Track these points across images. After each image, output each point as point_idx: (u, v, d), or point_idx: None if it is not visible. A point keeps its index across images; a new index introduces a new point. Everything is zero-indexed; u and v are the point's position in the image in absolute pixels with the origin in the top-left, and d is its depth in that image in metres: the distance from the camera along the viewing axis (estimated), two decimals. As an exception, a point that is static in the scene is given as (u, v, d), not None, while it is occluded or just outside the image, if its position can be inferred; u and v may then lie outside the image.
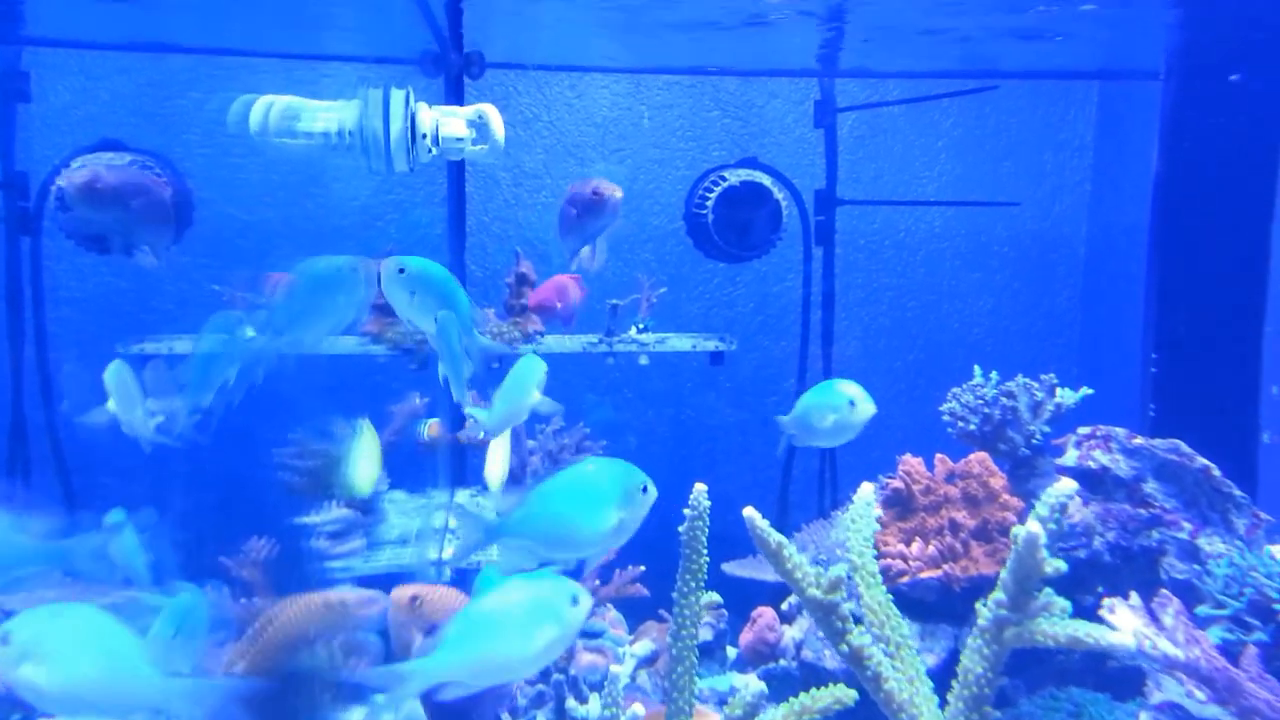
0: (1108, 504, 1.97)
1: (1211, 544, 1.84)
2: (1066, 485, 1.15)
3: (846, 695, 1.25)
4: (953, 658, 2.02)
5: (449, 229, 2.63)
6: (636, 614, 2.36)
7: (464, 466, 2.60)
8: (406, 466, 2.54)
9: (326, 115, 1.97)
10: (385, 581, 2.32)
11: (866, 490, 1.35)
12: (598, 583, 2.14)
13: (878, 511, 2.15)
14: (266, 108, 1.98)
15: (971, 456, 2.12)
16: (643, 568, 2.18)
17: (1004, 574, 1.16)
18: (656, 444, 3.23)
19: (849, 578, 1.27)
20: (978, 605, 1.18)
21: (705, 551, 1.30)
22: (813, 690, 1.24)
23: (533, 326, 2.63)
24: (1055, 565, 1.13)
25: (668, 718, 1.25)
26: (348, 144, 1.89)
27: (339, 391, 2.60)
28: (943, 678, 2.02)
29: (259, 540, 2.27)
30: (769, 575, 2.38)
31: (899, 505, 2.17)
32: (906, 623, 2.04)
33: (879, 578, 1.25)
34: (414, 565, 2.19)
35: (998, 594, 1.15)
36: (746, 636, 2.13)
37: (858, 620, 1.23)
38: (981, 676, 1.11)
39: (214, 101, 2.99)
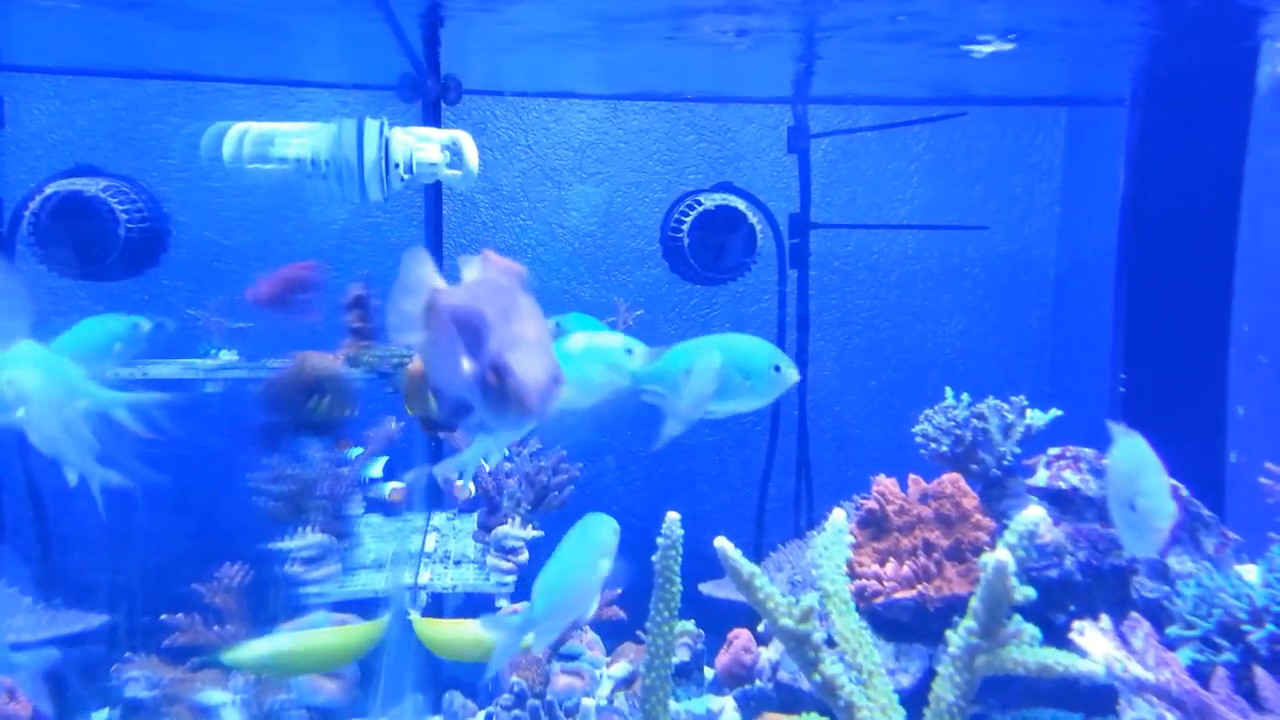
0: (1078, 524, 2.00)
1: (1181, 563, 1.87)
2: (1034, 513, 1.17)
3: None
4: (927, 677, 2.03)
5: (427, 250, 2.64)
6: (615, 636, 2.36)
7: (439, 491, 2.60)
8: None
9: (299, 141, 1.98)
10: (360, 607, 2.31)
11: (839, 516, 1.37)
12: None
13: (852, 536, 2.17)
14: (240, 135, 1.99)
15: (944, 477, 2.15)
16: (619, 590, 2.19)
17: (974, 602, 1.18)
18: (635, 464, 3.23)
19: (821, 605, 1.28)
20: (948, 633, 1.19)
21: (678, 580, 1.31)
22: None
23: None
24: (1024, 593, 1.15)
25: (643, 746, 1.25)
26: (322, 173, 1.90)
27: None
28: (918, 697, 2.04)
29: (232, 567, 2.27)
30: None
31: (873, 526, 2.19)
32: (881, 646, 2.08)
33: (851, 605, 1.26)
34: (389, 590, 2.19)
35: (968, 621, 1.16)
36: (723, 658, 2.14)
37: (831, 644, 1.24)
38: (954, 705, 1.12)
39: (190, 127, 2.99)
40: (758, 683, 2.19)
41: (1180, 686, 1.34)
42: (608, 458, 3.21)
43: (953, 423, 2.19)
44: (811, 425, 2.98)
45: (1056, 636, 1.99)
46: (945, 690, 1.13)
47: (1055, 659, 1.11)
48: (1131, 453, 1.24)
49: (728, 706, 2.03)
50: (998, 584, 1.12)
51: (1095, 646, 1.38)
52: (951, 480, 2.15)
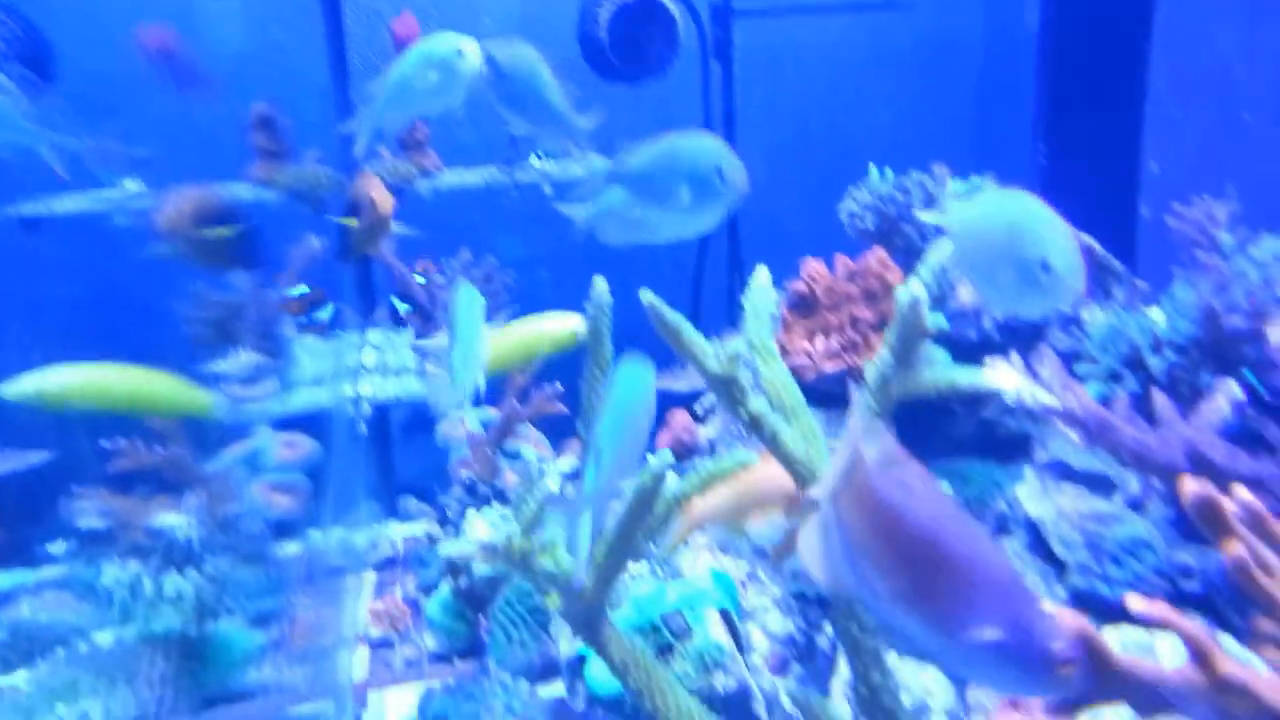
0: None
1: (1092, 314, 1.95)
2: (946, 247, 1.19)
3: (749, 457, 1.33)
4: (856, 442, 2.14)
5: (331, 72, 2.52)
6: (559, 432, 2.43)
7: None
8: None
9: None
10: (304, 423, 2.33)
11: (762, 274, 1.39)
12: (517, 404, 2.19)
13: (783, 318, 2.22)
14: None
15: (869, 253, 2.19)
16: (559, 385, 2.23)
17: (888, 335, 1.22)
18: (570, 274, 3.22)
19: (747, 353, 1.32)
20: (864, 364, 1.24)
21: (609, 343, 1.33)
22: (715, 456, 1.31)
23: (430, 162, 2.57)
24: (936, 321, 1.19)
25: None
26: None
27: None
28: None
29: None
30: (682, 385, 2.47)
31: (803, 307, 2.24)
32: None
33: (776, 353, 1.30)
34: (331, 404, 2.20)
35: (883, 353, 1.21)
36: (663, 438, 2.22)
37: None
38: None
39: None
40: (697, 460, 2.29)
41: (1084, 408, 1.43)
42: (542, 271, 3.20)
43: (877, 198, 2.20)
44: (742, 223, 2.99)
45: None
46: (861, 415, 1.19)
47: (961, 375, 1.16)
48: (1032, 212, 1.17)
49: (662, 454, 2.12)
50: (911, 316, 1.16)
51: (1005, 378, 1.45)
52: (877, 256, 2.19)
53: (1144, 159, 2.47)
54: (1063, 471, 1.80)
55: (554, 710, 1.83)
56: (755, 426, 1.21)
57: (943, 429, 2.18)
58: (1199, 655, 0.96)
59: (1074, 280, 1.02)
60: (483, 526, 1.13)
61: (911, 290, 1.17)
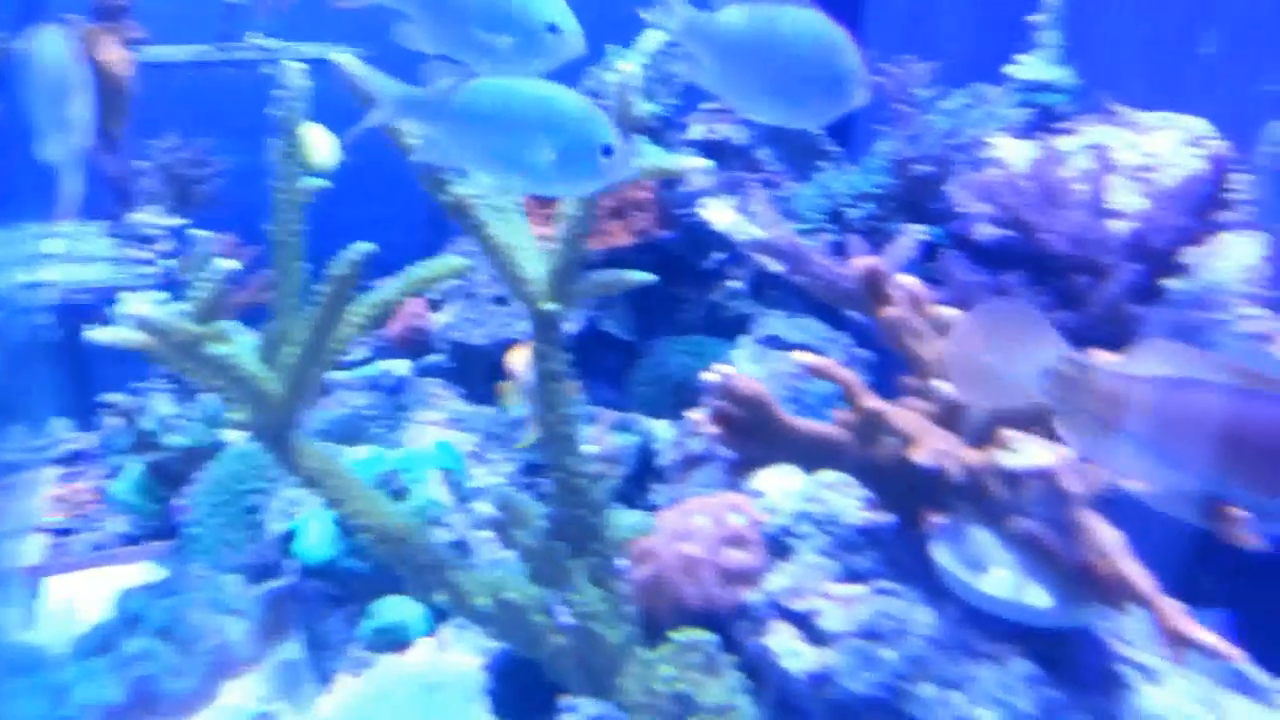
0: (730, 171, 2.15)
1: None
2: (659, 34, 1.19)
3: (460, 264, 1.27)
4: (590, 324, 2.15)
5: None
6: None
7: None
8: None
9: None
10: None
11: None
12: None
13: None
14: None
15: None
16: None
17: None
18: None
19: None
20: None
21: (300, 135, 1.22)
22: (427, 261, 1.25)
23: (129, 33, 2.31)
24: (648, 109, 1.18)
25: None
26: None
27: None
28: (583, 338, 2.15)
29: None
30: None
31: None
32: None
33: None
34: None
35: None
36: (395, 326, 2.12)
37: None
38: (578, 218, 1.16)
39: None
40: (435, 358, 2.21)
41: (787, 241, 1.49)
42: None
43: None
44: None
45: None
46: (572, 209, 1.17)
47: (667, 161, 1.17)
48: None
49: (403, 367, 2.03)
50: (620, 97, 1.14)
51: (718, 216, 1.49)
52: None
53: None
54: (775, 344, 1.91)
55: (264, 597, 1.70)
56: (460, 212, 1.15)
57: (676, 315, 2.26)
58: (849, 395, 1.02)
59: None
60: (144, 306, 0.99)
61: (622, 71, 1.16)
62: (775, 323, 1.97)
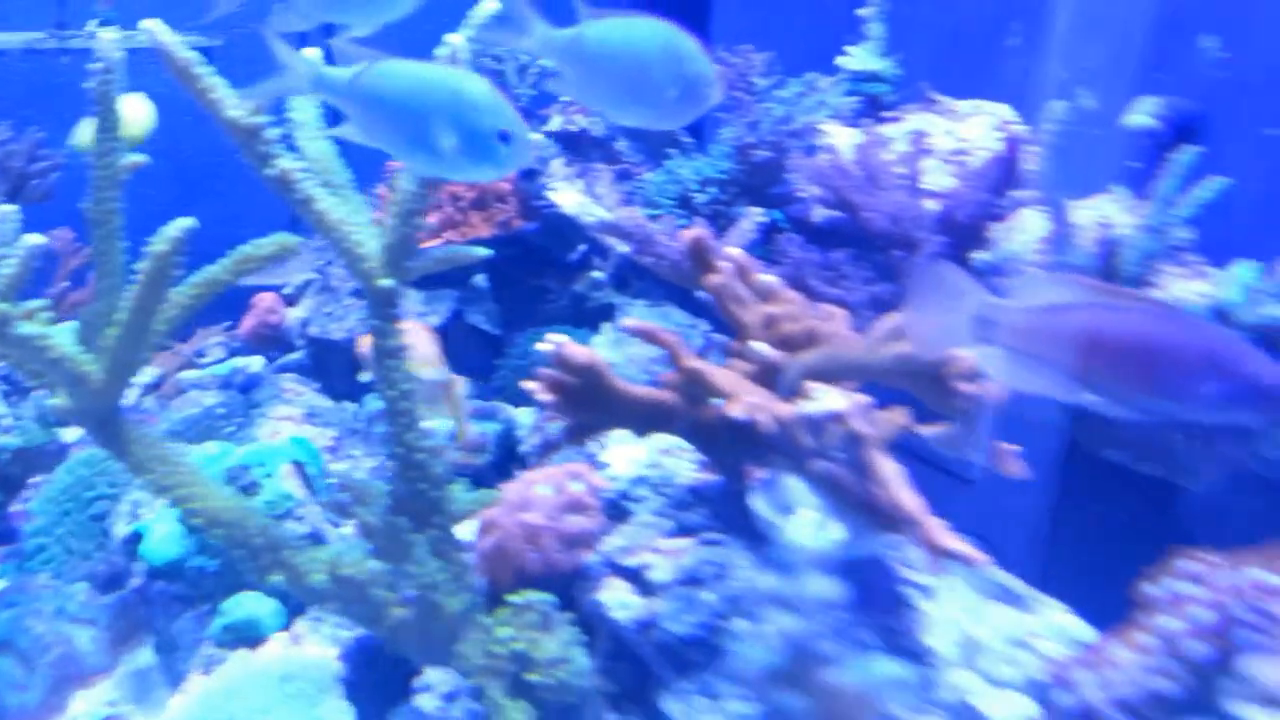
0: (586, 163, 2.18)
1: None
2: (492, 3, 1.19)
3: (292, 241, 1.26)
4: (454, 317, 2.16)
5: None
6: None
7: None
8: None
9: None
10: None
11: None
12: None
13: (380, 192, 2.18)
14: None
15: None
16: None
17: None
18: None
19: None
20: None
21: (117, 109, 1.18)
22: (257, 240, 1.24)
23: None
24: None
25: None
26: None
27: None
28: (446, 334, 2.15)
29: None
30: (272, 279, 2.33)
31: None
32: (413, 295, 2.16)
33: (321, 130, 1.25)
34: None
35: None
36: (248, 323, 2.07)
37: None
38: (412, 193, 1.17)
39: None
40: (293, 356, 2.17)
41: (633, 223, 1.54)
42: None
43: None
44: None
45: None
46: (406, 183, 1.18)
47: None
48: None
49: (257, 364, 1.99)
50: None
51: (567, 198, 1.53)
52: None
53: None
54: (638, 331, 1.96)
55: (113, 603, 1.64)
56: (285, 185, 1.14)
57: (540, 306, 2.28)
58: (673, 357, 1.06)
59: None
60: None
61: (450, 44, 1.17)
62: (637, 311, 2.02)
